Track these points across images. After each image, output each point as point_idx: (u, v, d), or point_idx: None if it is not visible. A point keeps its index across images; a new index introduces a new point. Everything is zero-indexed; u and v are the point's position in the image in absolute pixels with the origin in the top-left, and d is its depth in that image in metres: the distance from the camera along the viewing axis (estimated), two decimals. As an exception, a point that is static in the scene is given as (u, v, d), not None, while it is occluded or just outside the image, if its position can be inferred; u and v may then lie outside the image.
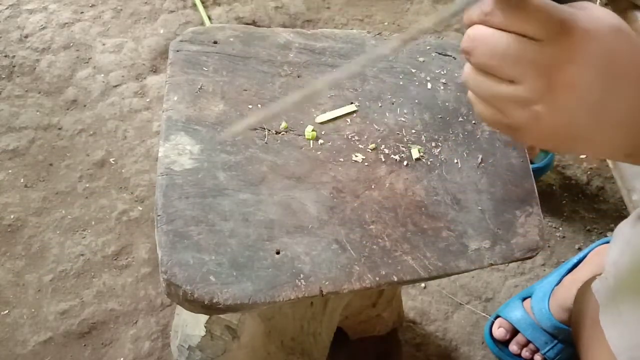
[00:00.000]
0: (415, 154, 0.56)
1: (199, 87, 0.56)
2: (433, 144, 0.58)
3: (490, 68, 0.36)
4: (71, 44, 1.18)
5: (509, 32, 0.34)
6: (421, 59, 0.64)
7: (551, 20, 0.34)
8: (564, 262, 1.02)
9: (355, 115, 0.58)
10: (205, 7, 1.28)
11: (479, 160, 0.58)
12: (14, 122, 1.06)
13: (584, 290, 0.66)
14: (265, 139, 0.54)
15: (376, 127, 0.58)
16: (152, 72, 1.17)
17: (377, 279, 0.49)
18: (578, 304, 0.68)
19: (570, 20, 0.34)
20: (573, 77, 0.34)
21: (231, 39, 0.60)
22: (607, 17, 0.35)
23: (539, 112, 0.35)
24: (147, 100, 1.13)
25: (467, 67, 0.38)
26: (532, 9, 0.33)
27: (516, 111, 0.36)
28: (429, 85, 0.62)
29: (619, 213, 1.14)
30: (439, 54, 0.65)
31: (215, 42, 0.59)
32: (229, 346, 0.64)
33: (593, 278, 0.62)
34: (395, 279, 0.49)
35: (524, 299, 0.94)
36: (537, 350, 0.91)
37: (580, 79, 0.35)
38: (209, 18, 1.27)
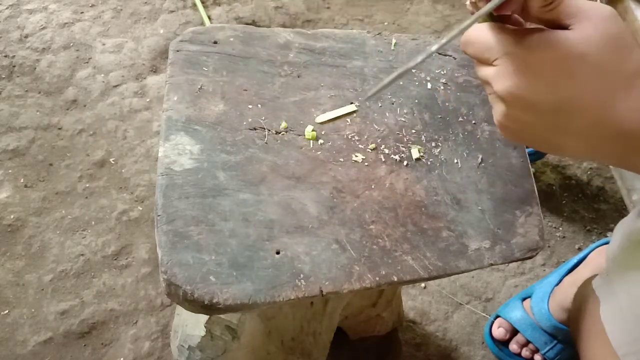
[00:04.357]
0: (415, 154, 0.56)
1: (199, 87, 0.56)
2: (433, 144, 0.58)
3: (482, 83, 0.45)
4: (71, 44, 1.18)
5: (480, 61, 0.43)
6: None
7: (496, 45, 0.41)
8: (564, 262, 1.02)
9: (355, 115, 0.58)
10: (205, 7, 1.28)
11: (479, 160, 0.58)
12: (14, 122, 1.06)
13: (584, 288, 0.67)
14: (265, 139, 0.54)
15: (376, 127, 0.58)
16: (152, 72, 1.17)
17: (377, 279, 0.49)
18: (577, 302, 0.68)
19: (519, 42, 0.40)
20: (526, 86, 0.40)
21: (231, 39, 0.60)
22: (563, 39, 0.40)
23: (500, 118, 0.43)
24: (147, 100, 1.13)
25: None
26: (481, 41, 0.42)
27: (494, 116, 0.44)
28: (429, 85, 0.62)
29: (619, 213, 1.14)
30: (439, 54, 0.65)
31: (215, 42, 0.59)
32: (229, 346, 0.64)
33: (593, 277, 0.62)
34: (395, 279, 0.49)
35: (523, 299, 0.94)
36: (537, 351, 0.91)
37: (530, 90, 0.40)
38: (209, 18, 1.27)
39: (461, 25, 0.40)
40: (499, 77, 0.41)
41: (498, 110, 0.43)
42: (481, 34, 0.42)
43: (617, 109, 0.39)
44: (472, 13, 0.44)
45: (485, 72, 0.43)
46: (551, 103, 0.39)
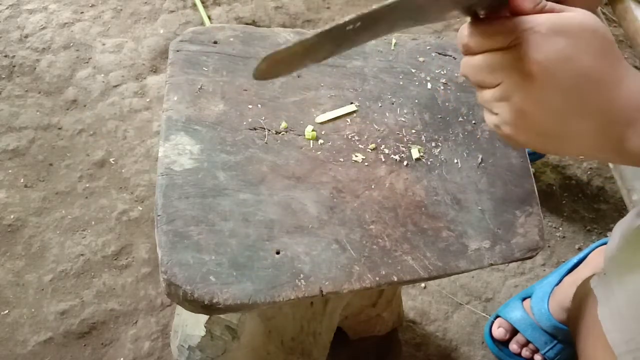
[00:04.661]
0: (415, 154, 0.56)
1: (199, 87, 0.56)
2: (433, 144, 0.58)
3: (480, 83, 0.44)
4: (71, 44, 1.18)
5: (484, 52, 0.42)
6: (421, 59, 0.64)
7: (506, 30, 0.41)
8: (564, 262, 1.02)
9: (355, 115, 0.58)
10: (205, 7, 1.28)
11: (479, 160, 0.58)
12: (14, 122, 1.06)
13: (583, 287, 0.67)
14: (265, 139, 0.54)
15: (376, 127, 0.58)
16: (152, 72, 1.17)
17: (377, 279, 0.49)
18: (577, 301, 0.68)
19: (524, 26, 0.40)
20: (541, 70, 0.40)
21: (231, 39, 0.60)
22: (571, 20, 0.40)
23: (518, 103, 0.41)
24: (147, 100, 1.13)
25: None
26: (491, 28, 0.41)
27: (502, 108, 0.42)
28: (429, 85, 0.62)
29: (619, 213, 1.14)
30: (439, 54, 0.65)
31: (215, 42, 0.59)
32: (229, 346, 0.64)
33: (592, 276, 0.62)
34: (395, 279, 0.49)
35: (523, 299, 0.94)
36: (537, 350, 0.91)
37: (547, 71, 0.40)
38: (209, 18, 1.27)
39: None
40: (526, 52, 0.39)
41: (522, 93, 0.41)
42: (488, 22, 0.41)
43: (624, 83, 0.41)
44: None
45: (501, 57, 0.41)
46: (577, 73, 0.40)
